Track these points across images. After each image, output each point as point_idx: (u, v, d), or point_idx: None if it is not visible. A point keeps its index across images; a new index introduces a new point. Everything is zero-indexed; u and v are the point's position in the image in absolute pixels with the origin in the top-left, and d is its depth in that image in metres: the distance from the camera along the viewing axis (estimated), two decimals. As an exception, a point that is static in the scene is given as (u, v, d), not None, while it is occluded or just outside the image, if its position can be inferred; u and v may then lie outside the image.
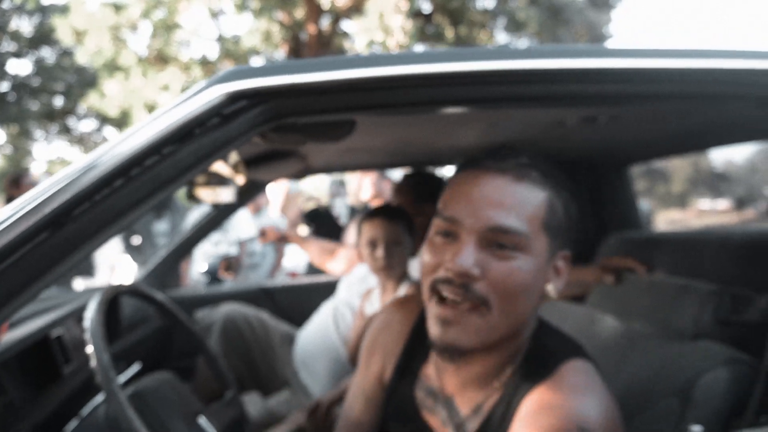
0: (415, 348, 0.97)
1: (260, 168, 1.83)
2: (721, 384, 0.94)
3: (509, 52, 0.76)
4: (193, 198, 1.48)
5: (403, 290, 1.77)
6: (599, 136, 1.88)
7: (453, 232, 0.78)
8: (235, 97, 0.72)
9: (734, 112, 1.39)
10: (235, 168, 1.67)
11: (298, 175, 2.14)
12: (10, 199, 3.72)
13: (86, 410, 1.03)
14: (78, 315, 1.33)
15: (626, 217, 2.60)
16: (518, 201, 0.77)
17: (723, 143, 2.26)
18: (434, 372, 0.92)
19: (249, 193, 2.42)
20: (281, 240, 2.67)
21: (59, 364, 1.24)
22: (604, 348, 1.21)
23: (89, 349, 0.81)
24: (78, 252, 0.63)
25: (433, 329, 0.78)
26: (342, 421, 1.04)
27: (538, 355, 0.84)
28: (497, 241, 0.76)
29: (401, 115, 1.07)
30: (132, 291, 1.10)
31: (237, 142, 0.74)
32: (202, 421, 1.00)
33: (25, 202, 0.65)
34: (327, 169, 2.41)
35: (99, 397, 1.00)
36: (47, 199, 0.64)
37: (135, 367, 1.36)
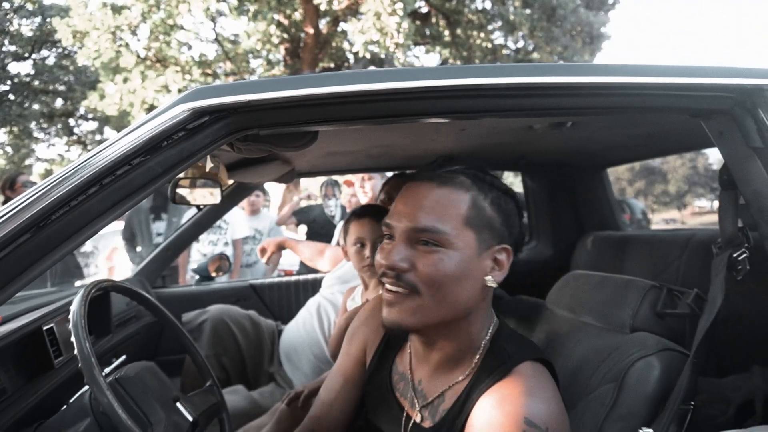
0: (393, 338, 1.13)
1: (246, 172, 1.90)
2: (652, 371, 1.02)
3: (438, 71, 0.85)
4: (176, 200, 1.56)
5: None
6: (575, 141, 1.97)
7: (391, 235, 0.93)
8: (198, 113, 0.82)
9: (678, 123, 1.48)
10: (219, 171, 1.74)
11: (285, 178, 2.22)
12: (6, 201, 3.79)
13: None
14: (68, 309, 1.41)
15: (604, 218, 2.69)
16: (439, 203, 0.89)
17: (677, 151, 2.36)
18: (407, 359, 1.07)
19: (238, 195, 2.51)
20: (279, 249, 2.77)
21: (51, 356, 1.33)
22: (558, 339, 1.31)
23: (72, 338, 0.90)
24: (56, 252, 0.73)
25: (383, 312, 0.93)
26: (320, 396, 1.19)
27: (497, 356, 0.95)
28: (420, 239, 0.89)
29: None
30: (114, 286, 1.19)
31: (202, 153, 0.83)
32: (180, 405, 1.08)
33: (10, 206, 0.74)
34: (313, 173, 2.50)
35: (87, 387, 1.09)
36: (29, 204, 0.73)
37: (121, 359, 1.45)
